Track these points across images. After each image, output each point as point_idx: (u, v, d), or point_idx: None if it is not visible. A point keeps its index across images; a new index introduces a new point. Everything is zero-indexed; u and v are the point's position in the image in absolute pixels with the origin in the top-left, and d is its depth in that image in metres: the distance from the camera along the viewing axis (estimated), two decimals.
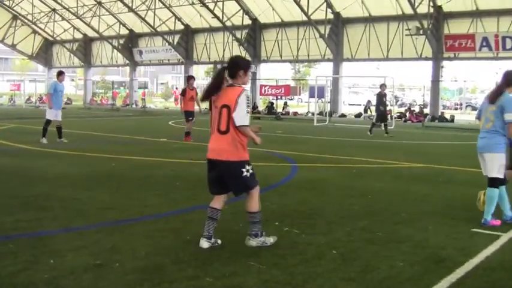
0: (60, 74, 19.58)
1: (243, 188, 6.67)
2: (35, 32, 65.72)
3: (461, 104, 59.12)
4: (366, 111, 44.71)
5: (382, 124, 25.97)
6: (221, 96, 6.59)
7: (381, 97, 25.89)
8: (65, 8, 56.33)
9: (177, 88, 72.03)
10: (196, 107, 21.07)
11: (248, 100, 6.55)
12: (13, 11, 61.38)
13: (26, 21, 63.14)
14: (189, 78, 21.69)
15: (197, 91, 20.86)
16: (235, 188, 6.71)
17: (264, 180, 11.65)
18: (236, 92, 6.50)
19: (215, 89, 6.67)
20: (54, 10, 58.72)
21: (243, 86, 6.67)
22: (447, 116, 39.73)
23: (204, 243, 6.55)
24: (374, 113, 28.47)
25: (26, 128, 19.55)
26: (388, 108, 27.73)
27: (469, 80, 62.88)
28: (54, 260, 5.95)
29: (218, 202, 6.78)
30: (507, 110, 7.79)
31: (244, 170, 6.56)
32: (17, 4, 58.94)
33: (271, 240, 6.67)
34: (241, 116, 6.45)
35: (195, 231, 7.18)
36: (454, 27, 38.37)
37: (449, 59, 39.84)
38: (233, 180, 6.60)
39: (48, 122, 18.62)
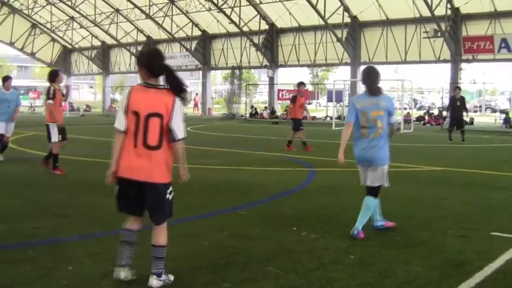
0: (6, 79, 15.75)
1: (168, 215, 5.62)
2: (53, 40, 66.17)
3: (480, 107, 58.74)
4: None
5: (459, 130, 23.60)
6: (144, 100, 5.39)
7: (453, 101, 24.02)
8: (83, 15, 56.70)
9: (197, 94, 72.10)
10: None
11: (181, 107, 5.49)
12: (32, 20, 61.86)
13: (45, 29, 63.60)
14: (300, 85, 20.28)
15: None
16: (161, 215, 5.56)
17: (282, 185, 11.70)
18: (169, 97, 5.40)
19: None
20: (72, 18, 59.11)
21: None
22: (466, 119, 39.43)
23: (121, 273, 5.50)
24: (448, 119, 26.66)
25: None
26: (465, 113, 25.21)
27: (489, 82, 62.47)
28: (73, 266, 5.98)
29: (134, 223, 5.65)
30: (393, 113, 7.54)
31: (169, 193, 5.56)
32: (35, 13, 59.44)
33: (171, 278, 5.58)
34: (183, 128, 5.44)
35: (211, 237, 7.21)
36: (472, 29, 38.12)
37: (467, 61, 39.54)
38: (159, 205, 5.50)
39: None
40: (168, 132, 5.38)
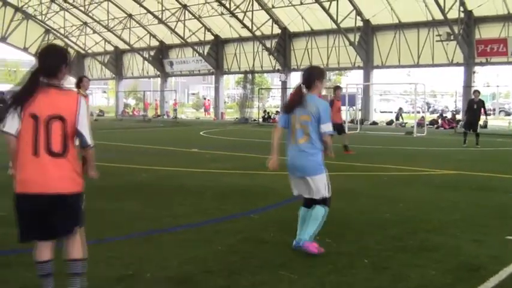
0: None
1: (80, 223, 4.99)
2: (67, 45, 66.43)
3: (494, 110, 58.51)
4: (397, 118, 44.40)
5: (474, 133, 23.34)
6: (42, 102, 4.66)
7: (471, 104, 23.67)
8: (96, 21, 57.03)
9: (209, 100, 72.31)
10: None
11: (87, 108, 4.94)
12: (46, 25, 62.27)
13: (58, 35, 64.00)
14: (336, 89, 20.01)
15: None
16: (70, 224, 4.87)
17: None
18: (72, 98, 4.78)
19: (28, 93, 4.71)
20: (85, 23, 59.47)
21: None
22: (480, 122, 39.26)
23: None
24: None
25: None
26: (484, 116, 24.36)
27: (502, 85, 62.18)
28: (87, 270, 5.98)
29: (47, 250, 4.95)
30: (324, 120, 6.62)
31: (82, 202, 5.01)
32: (49, 19, 59.88)
33: None
34: (89, 131, 4.87)
35: (225, 241, 7.21)
36: (486, 32, 38.00)
37: (481, 64, 39.42)
38: (68, 215, 4.83)
39: None
40: (77, 136, 4.79)
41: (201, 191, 11.35)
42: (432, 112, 59.92)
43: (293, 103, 6.66)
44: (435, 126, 40.07)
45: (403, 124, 41.79)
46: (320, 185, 6.67)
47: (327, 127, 6.61)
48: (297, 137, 6.64)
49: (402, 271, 6.06)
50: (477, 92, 24.35)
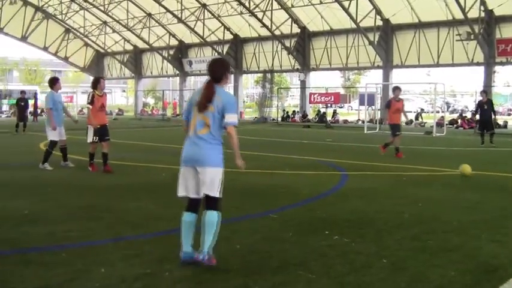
0: (55, 81, 15.36)
1: None
2: (86, 44, 66.91)
3: None
4: (417, 118, 44.21)
5: (488, 132, 23.75)
6: None
7: (481, 105, 24.13)
8: (115, 20, 57.24)
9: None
10: (403, 118, 19.79)
11: None
12: (66, 25, 62.60)
13: (78, 34, 64.34)
14: (395, 89, 19.13)
15: (403, 102, 19.12)
16: None
17: (314, 188, 11.68)
18: None
19: None
20: (105, 23, 59.73)
21: None
22: (500, 122, 39.07)
23: None
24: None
25: (77, 138, 19.82)
26: (494, 115, 25.00)
27: None
28: (105, 269, 6.02)
29: None
30: (229, 111, 6.40)
31: None
32: (69, 18, 60.16)
33: None
34: None
35: (243, 240, 7.22)
36: (507, 31, 37.66)
37: (501, 63, 39.12)
38: None
39: (53, 144, 15.03)
40: None
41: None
42: (452, 112, 59.60)
43: (209, 98, 6.31)
44: (455, 126, 39.88)
45: (423, 124, 41.63)
46: (216, 179, 6.26)
47: (231, 117, 6.36)
48: (196, 127, 6.34)
49: (421, 271, 6.03)
50: (484, 92, 24.84)
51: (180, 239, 6.32)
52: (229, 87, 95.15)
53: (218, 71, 6.50)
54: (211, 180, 6.23)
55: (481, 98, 24.64)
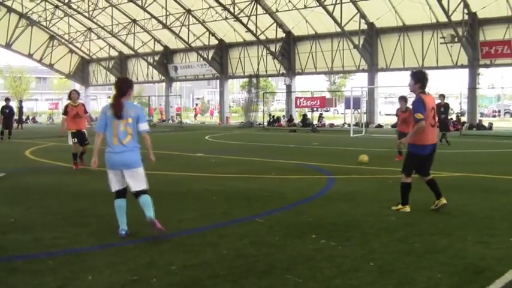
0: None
1: None
2: (71, 51, 66.75)
3: (499, 111, 58.46)
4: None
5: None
6: None
7: (438, 108, 25.35)
8: (100, 26, 57.16)
9: (197, 104, 72.73)
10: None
11: None
12: (50, 31, 62.43)
13: (63, 41, 64.22)
14: (400, 99, 18.54)
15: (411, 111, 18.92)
16: None
17: (301, 192, 11.69)
18: None
19: None
20: (89, 29, 59.67)
21: None
22: (485, 124, 39.29)
23: None
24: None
25: (63, 146, 19.81)
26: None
27: (507, 87, 62.10)
28: (92, 276, 6.00)
29: None
30: (142, 120, 7.88)
31: None
32: (53, 25, 60.01)
33: None
34: None
35: (230, 245, 7.21)
36: (490, 34, 37.98)
37: (485, 66, 39.39)
38: None
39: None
40: None
41: (206, 195, 11.36)
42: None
43: (120, 110, 7.67)
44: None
45: None
46: (142, 175, 7.86)
47: (144, 126, 7.90)
48: (120, 137, 7.69)
49: (408, 274, 6.04)
50: (442, 96, 26.34)
51: (119, 220, 7.87)
52: (214, 93, 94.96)
53: (124, 86, 7.89)
54: (140, 177, 7.83)
55: (439, 101, 25.66)
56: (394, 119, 47.31)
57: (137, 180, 7.78)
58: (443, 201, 9.45)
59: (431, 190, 9.63)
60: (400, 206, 9.58)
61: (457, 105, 49.86)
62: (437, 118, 10.37)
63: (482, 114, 48.46)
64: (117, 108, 7.66)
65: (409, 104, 16.38)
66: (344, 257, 6.70)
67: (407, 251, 6.95)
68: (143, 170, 7.87)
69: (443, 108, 25.48)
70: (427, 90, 9.64)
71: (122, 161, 7.71)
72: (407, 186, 9.54)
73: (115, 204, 7.90)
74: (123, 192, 7.92)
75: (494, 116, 57.80)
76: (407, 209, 9.50)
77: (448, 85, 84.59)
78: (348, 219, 8.89)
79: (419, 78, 9.50)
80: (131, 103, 8.00)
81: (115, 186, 7.89)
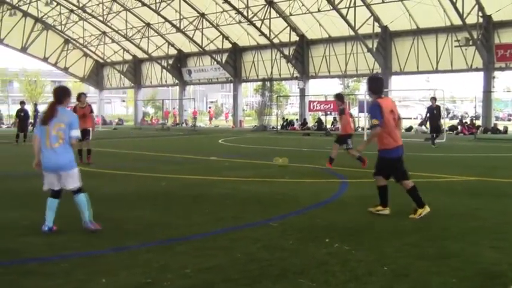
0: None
1: None
2: (86, 55, 67.06)
3: None
4: (421, 124, 44.12)
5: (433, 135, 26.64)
6: None
7: (431, 110, 26.37)
8: (114, 30, 57.43)
9: (210, 107, 72.80)
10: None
11: None
12: (65, 35, 62.76)
13: (78, 44, 64.59)
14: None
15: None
16: None
17: (314, 196, 11.67)
18: None
19: None
20: (104, 33, 59.92)
21: None
22: (500, 128, 39.08)
23: None
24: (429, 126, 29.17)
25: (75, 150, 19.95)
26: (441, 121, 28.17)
27: None
28: (106, 279, 6.02)
29: None
30: (74, 127, 8.29)
31: None
32: (68, 29, 60.42)
33: None
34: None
35: (244, 249, 7.21)
36: (505, 37, 37.73)
37: (500, 69, 39.16)
38: None
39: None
40: None
41: (220, 199, 11.36)
42: (452, 118, 59.57)
43: (50, 116, 8.18)
44: (455, 132, 39.84)
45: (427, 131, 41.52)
46: (76, 176, 8.34)
47: (75, 133, 8.32)
48: (52, 141, 8.12)
49: (422, 278, 6.02)
50: (434, 99, 27.13)
51: (46, 217, 8.33)
52: (228, 96, 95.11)
53: (61, 95, 8.42)
54: (74, 177, 8.32)
55: (431, 104, 26.67)
56: (409, 122, 47.28)
57: (72, 181, 8.29)
58: (422, 211, 9.35)
59: (411, 197, 9.60)
60: (379, 208, 9.67)
61: (471, 108, 49.65)
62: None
63: (497, 118, 48.12)
64: (47, 115, 8.23)
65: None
66: (358, 261, 6.68)
67: (421, 256, 6.93)
68: (77, 170, 8.43)
69: (435, 110, 26.16)
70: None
71: (55, 164, 8.18)
72: (384, 189, 9.72)
73: (47, 202, 8.38)
74: (57, 194, 8.42)
75: (509, 120, 57.51)
76: (387, 211, 9.60)
77: (462, 88, 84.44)
78: (361, 224, 8.87)
79: (369, 85, 9.74)
80: (67, 110, 8.54)
81: (47, 186, 8.43)
